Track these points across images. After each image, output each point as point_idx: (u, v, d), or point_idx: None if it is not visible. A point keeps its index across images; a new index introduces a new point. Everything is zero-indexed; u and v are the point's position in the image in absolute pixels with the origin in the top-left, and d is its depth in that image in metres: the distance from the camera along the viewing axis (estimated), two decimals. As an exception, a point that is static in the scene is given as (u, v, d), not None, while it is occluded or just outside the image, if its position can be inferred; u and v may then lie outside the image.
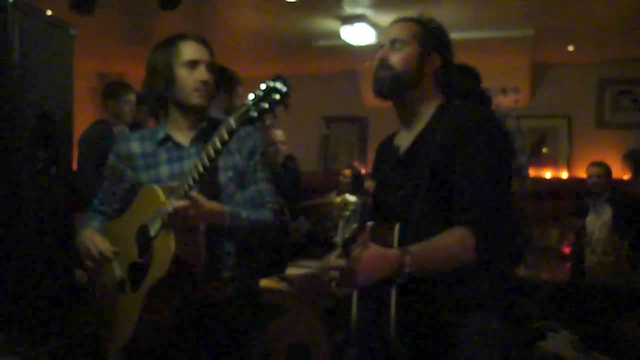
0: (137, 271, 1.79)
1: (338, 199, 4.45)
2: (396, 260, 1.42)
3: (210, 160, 1.60)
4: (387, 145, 1.87)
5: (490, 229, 1.50)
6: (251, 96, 1.50)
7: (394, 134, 1.87)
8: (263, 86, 1.49)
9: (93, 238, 1.89)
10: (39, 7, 2.21)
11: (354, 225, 1.46)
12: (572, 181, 6.46)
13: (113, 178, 1.99)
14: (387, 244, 1.53)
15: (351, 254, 1.41)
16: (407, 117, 1.76)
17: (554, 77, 6.82)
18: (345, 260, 1.41)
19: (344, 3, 4.80)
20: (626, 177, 6.30)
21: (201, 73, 1.88)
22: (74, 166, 2.65)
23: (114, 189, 1.99)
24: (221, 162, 1.89)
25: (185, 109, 1.91)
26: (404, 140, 1.75)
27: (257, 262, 1.97)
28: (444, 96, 1.74)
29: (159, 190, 1.73)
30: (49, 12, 2.29)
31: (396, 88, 1.69)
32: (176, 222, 1.66)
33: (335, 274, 1.41)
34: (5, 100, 2.02)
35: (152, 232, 1.74)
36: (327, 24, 5.39)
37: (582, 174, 5.71)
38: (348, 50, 5.88)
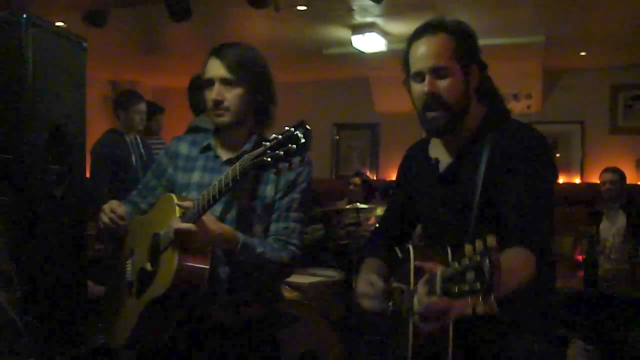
0: (144, 278, 1.79)
1: (349, 207, 4.44)
2: None
3: (221, 193, 1.58)
4: (419, 153, 1.78)
5: (546, 252, 1.47)
6: (272, 137, 1.44)
7: (425, 142, 1.78)
8: (284, 131, 1.42)
9: (112, 203, 1.86)
10: (52, 21, 2.24)
11: None
12: (585, 187, 6.40)
13: (156, 172, 2.01)
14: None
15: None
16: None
17: (567, 82, 6.78)
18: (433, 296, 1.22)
19: (355, 12, 4.80)
20: (640, 182, 6.24)
21: (211, 92, 1.81)
22: (87, 175, 2.66)
23: (154, 183, 2.00)
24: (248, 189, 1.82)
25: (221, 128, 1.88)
26: (443, 153, 1.68)
27: (252, 293, 1.86)
28: (482, 105, 1.65)
29: (175, 205, 1.71)
30: (60, 24, 2.31)
31: (455, 124, 1.59)
32: (182, 242, 1.64)
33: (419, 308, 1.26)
34: (18, 114, 2.04)
35: (162, 245, 1.73)
36: (338, 32, 5.40)
37: (595, 180, 5.65)
38: (359, 57, 5.88)
